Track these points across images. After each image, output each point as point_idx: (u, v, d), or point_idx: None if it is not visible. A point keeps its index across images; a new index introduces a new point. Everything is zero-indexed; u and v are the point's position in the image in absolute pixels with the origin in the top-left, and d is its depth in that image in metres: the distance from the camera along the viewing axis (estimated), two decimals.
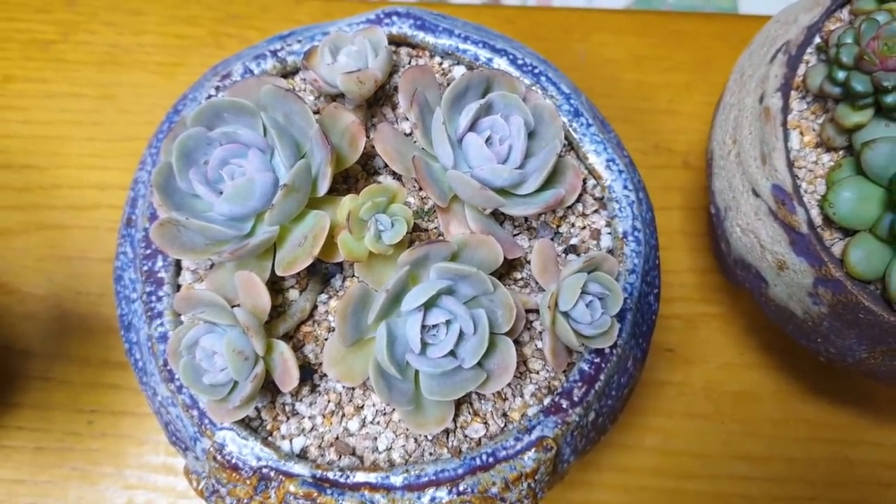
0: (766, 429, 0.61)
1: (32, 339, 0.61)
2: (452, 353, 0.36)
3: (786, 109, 0.45)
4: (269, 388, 0.38)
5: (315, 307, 0.40)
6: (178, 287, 0.41)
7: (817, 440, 0.61)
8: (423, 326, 0.35)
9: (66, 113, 0.68)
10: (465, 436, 0.39)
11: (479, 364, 0.36)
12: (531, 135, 0.39)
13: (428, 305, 0.35)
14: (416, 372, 0.36)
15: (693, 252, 0.66)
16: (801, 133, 0.46)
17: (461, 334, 0.36)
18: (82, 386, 0.60)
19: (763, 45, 0.49)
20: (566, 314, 0.36)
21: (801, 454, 0.60)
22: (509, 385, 0.39)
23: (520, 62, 0.45)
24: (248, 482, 0.37)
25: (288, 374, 0.35)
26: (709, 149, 0.53)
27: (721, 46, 0.72)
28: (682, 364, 0.63)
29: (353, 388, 0.39)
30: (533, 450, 0.38)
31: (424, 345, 0.35)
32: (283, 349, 0.36)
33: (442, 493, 0.36)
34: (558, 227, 0.42)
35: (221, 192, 0.35)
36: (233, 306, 0.35)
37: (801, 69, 0.47)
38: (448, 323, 0.36)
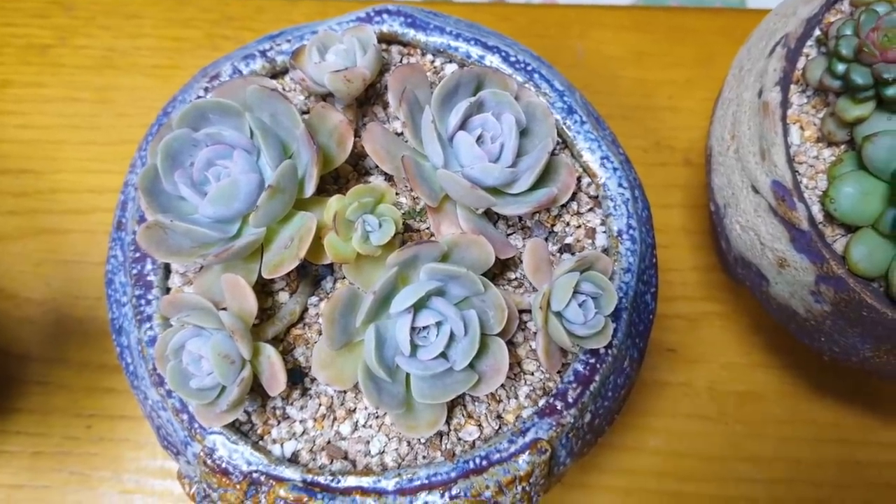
0: (772, 429, 0.60)
1: (30, 343, 0.61)
2: (443, 355, 0.35)
3: (785, 104, 0.45)
4: (259, 391, 0.37)
5: (306, 310, 0.40)
6: (168, 290, 0.41)
7: (824, 441, 0.60)
8: (413, 328, 0.35)
9: (63, 117, 0.68)
10: (459, 438, 0.38)
11: (471, 366, 0.35)
12: (523, 133, 0.39)
13: (418, 307, 0.35)
14: (407, 375, 0.36)
15: (695, 250, 0.65)
16: (802, 128, 0.45)
17: (452, 336, 0.35)
18: (80, 390, 0.60)
19: (762, 38, 0.49)
20: (559, 314, 0.36)
21: (808, 455, 0.59)
22: (503, 387, 0.39)
23: (512, 59, 0.44)
24: (238, 487, 0.36)
25: (275, 378, 0.35)
26: (708, 145, 0.52)
27: (724, 42, 0.71)
28: (684, 364, 0.62)
29: (345, 392, 0.39)
30: (527, 452, 0.37)
31: (414, 347, 0.35)
32: (270, 353, 0.35)
33: (434, 497, 0.36)
34: (553, 226, 0.42)
35: (206, 194, 0.35)
36: (220, 309, 0.35)
37: (801, 62, 0.46)
38: (438, 324, 0.35)
